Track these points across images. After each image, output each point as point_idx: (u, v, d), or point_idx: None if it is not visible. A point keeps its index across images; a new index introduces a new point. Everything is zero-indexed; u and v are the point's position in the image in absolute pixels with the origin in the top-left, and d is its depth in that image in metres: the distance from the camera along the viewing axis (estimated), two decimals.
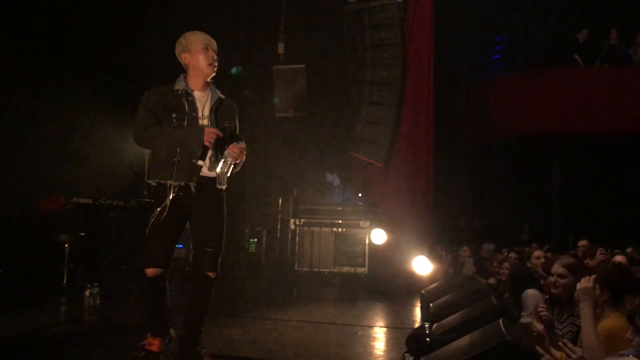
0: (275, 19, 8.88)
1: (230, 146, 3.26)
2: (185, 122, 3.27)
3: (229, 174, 3.28)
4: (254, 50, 9.37)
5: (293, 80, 8.41)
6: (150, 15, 8.48)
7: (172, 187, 3.27)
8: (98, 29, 8.08)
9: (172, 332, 3.43)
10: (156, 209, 3.27)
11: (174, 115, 3.26)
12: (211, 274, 3.38)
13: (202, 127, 3.25)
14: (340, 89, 9.74)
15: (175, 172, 3.25)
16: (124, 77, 8.37)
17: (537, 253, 5.40)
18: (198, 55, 3.33)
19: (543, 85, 10.87)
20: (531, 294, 4.29)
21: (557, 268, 3.62)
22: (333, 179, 9.64)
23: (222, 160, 3.25)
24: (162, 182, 3.29)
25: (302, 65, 8.41)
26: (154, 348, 3.30)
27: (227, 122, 3.44)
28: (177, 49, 3.39)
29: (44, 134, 7.24)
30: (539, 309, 3.45)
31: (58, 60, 7.30)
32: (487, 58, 12.76)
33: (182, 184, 3.27)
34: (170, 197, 3.25)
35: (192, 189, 3.29)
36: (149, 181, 3.39)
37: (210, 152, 3.32)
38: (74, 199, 5.86)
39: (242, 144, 3.31)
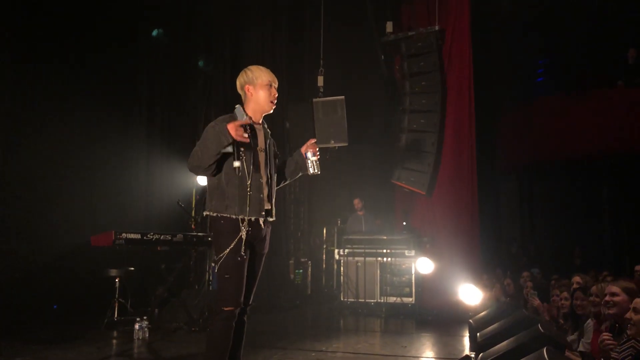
0: (314, 52, 9.06)
1: (307, 147, 3.57)
2: (252, 156, 3.32)
3: (317, 171, 3.57)
4: (294, 83, 9.56)
5: (333, 112, 8.50)
6: (194, 53, 8.79)
7: (245, 222, 3.27)
8: (144, 64, 8.41)
9: None
10: (226, 244, 3.23)
11: (241, 149, 3.28)
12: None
13: (224, 126, 3.21)
14: (380, 118, 9.79)
15: (248, 207, 3.27)
16: (169, 111, 8.67)
17: None
18: (261, 91, 3.41)
19: (590, 105, 10.62)
20: (592, 322, 4.14)
21: (611, 288, 3.53)
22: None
23: (309, 160, 3.56)
24: (234, 216, 3.28)
25: (342, 97, 8.50)
26: None
27: (275, 151, 3.59)
28: (241, 80, 3.46)
29: (94, 171, 7.51)
30: (604, 336, 3.31)
31: (103, 96, 7.60)
32: (529, 80, 12.60)
33: (253, 219, 3.30)
34: (245, 233, 3.25)
35: (261, 223, 3.35)
36: (211, 213, 3.33)
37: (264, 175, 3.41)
38: (123, 234, 6.04)
39: (312, 140, 3.63)
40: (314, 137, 8.52)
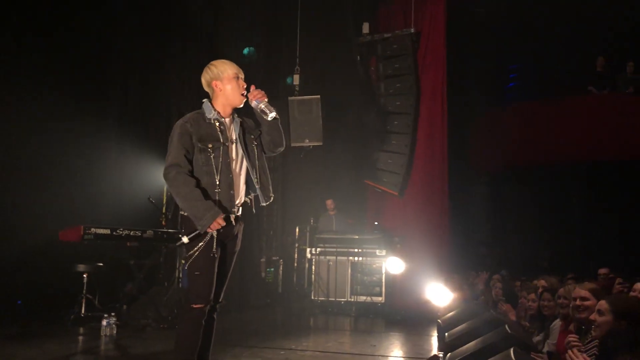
0: (290, 51, 9.05)
1: (250, 96, 3.34)
2: (221, 152, 3.27)
3: (273, 112, 3.31)
4: (269, 82, 9.53)
5: (308, 111, 8.51)
6: (169, 48, 8.69)
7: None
8: (118, 60, 8.30)
9: None
10: (197, 242, 3.19)
11: (209, 145, 3.26)
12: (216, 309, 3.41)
13: (217, 212, 3.15)
14: (355, 118, 9.83)
15: (218, 205, 3.22)
16: (142, 107, 8.56)
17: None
18: (229, 85, 3.36)
19: (561, 112, 10.83)
20: (559, 324, 4.23)
21: (580, 292, 3.59)
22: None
23: (260, 109, 3.31)
24: None
25: (317, 96, 8.51)
26: None
27: (252, 136, 3.47)
28: (207, 76, 3.39)
29: (62, 164, 7.37)
30: (570, 337, 3.38)
31: (76, 90, 7.45)
32: (502, 86, 12.80)
33: (224, 216, 3.25)
34: (215, 231, 3.20)
35: (232, 220, 3.31)
36: (183, 213, 3.30)
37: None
38: (92, 229, 5.96)
39: (252, 87, 3.38)
40: (288, 135, 8.58)
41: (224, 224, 3.17)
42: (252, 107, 3.42)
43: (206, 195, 3.22)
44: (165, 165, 3.26)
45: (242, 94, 3.38)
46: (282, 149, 3.57)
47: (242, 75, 3.42)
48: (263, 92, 3.37)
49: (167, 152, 3.29)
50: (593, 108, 10.70)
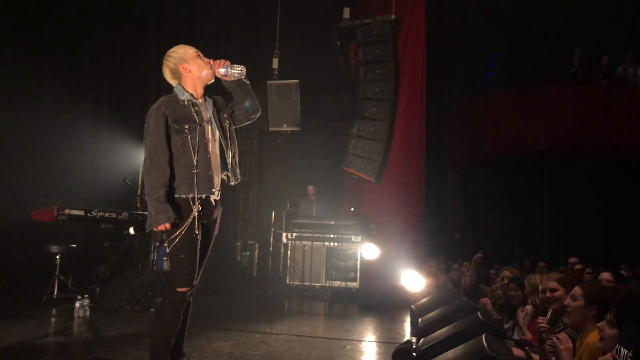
0: (269, 34, 8.98)
1: (215, 64, 3.39)
2: (197, 132, 3.27)
3: (243, 67, 3.41)
4: (248, 65, 9.44)
5: (287, 95, 8.48)
6: (145, 30, 8.56)
7: (195, 201, 3.23)
8: (94, 40, 8.17)
9: None
10: (179, 225, 3.18)
11: (186, 127, 3.25)
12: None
13: (169, 219, 3.13)
14: (333, 104, 9.82)
15: (196, 186, 3.23)
16: (118, 88, 8.45)
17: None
18: (194, 64, 3.37)
19: (535, 103, 11.00)
20: (527, 311, 4.33)
21: (548, 284, 3.68)
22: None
23: (227, 72, 3.38)
24: (184, 196, 3.24)
25: (296, 80, 8.48)
26: None
27: (225, 115, 3.49)
28: (170, 64, 3.39)
29: (36, 144, 7.27)
30: (539, 320, 3.47)
31: (51, 71, 7.35)
32: (479, 75, 12.90)
33: (203, 196, 3.28)
34: (197, 211, 3.21)
35: (212, 201, 3.33)
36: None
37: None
38: (66, 210, 5.89)
39: (211, 60, 3.43)
40: (266, 119, 8.55)
41: (168, 228, 3.17)
42: (221, 82, 3.47)
43: (184, 176, 3.24)
44: (144, 154, 3.28)
45: (210, 68, 3.40)
46: (259, 114, 3.60)
47: (201, 53, 3.45)
48: (226, 60, 3.43)
49: (144, 138, 3.30)
50: (566, 100, 10.87)
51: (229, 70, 3.38)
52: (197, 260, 3.26)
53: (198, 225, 3.23)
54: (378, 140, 8.90)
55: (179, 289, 3.21)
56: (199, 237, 3.24)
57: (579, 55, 11.16)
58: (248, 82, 3.51)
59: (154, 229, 3.18)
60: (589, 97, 10.85)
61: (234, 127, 3.53)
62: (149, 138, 3.26)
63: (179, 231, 3.18)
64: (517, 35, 11.60)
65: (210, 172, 3.31)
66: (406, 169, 8.94)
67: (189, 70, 3.38)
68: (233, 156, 3.46)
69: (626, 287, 3.52)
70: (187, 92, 3.37)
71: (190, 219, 3.20)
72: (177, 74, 3.40)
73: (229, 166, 3.43)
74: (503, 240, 11.49)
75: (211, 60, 3.43)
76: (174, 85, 3.42)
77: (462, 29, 11.83)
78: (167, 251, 3.29)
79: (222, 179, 3.45)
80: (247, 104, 3.48)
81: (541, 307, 3.97)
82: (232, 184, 3.48)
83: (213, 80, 3.46)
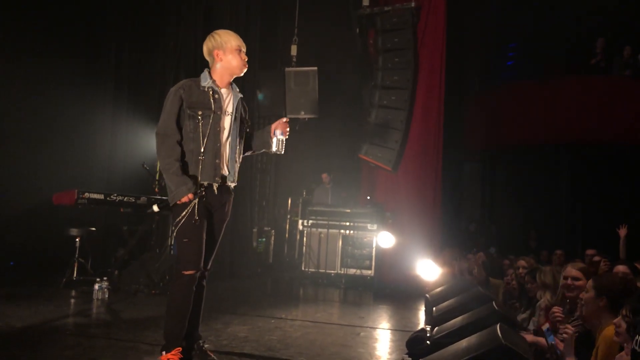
0: (288, 21, 8.96)
1: (278, 125, 3.51)
2: (211, 120, 3.30)
3: (282, 151, 3.54)
4: (267, 52, 9.44)
5: (305, 82, 8.46)
6: (165, 14, 8.59)
7: (198, 186, 3.27)
8: (113, 27, 8.22)
9: None
10: (182, 208, 3.23)
11: (199, 112, 3.28)
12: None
13: (190, 189, 3.22)
14: (351, 92, 9.79)
15: (200, 172, 3.27)
16: (137, 73, 8.51)
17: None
18: (231, 55, 3.38)
19: (556, 93, 10.85)
20: (545, 301, 4.31)
21: (571, 271, 3.65)
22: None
23: (275, 138, 3.50)
24: None
25: (314, 68, 8.46)
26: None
27: (245, 115, 3.56)
28: (209, 44, 3.40)
29: (57, 129, 7.36)
30: (554, 309, 3.47)
31: (71, 57, 7.42)
32: (500, 64, 12.75)
33: (206, 183, 3.30)
34: (197, 198, 3.25)
35: (215, 189, 3.34)
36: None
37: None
38: (86, 194, 5.96)
39: (285, 118, 3.57)
40: (284, 106, 8.56)
41: (192, 197, 3.22)
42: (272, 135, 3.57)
43: (190, 161, 3.28)
44: (155, 130, 3.33)
45: (244, 66, 3.42)
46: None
47: (244, 49, 3.45)
48: (288, 129, 3.55)
49: (160, 118, 3.34)
50: (587, 90, 10.70)
51: (280, 138, 3.52)
52: (202, 243, 3.30)
53: (200, 210, 3.26)
54: (396, 129, 8.85)
55: (185, 272, 3.26)
56: (199, 223, 3.26)
57: (602, 45, 10.96)
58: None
59: (177, 202, 3.23)
60: (611, 87, 10.67)
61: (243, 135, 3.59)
62: (162, 117, 3.32)
63: (181, 216, 3.23)
64: (539, 23, 11.43)
65: (217, 161, 3.32)
66: (423, 158, 8.89)
67: (221, 58, 3.39)
68: (238, 156, 3.49)
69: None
70: (212, 78, 3.38)
71: (191, 205, 3.24)
72: (210, 56, 3.43)
73: (236, 163, 3.46)
74: (520, 231, 11.40)
75: (284, 119, 3.56)
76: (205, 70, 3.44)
77: (482, 17, 11.68)
78: (174, 236, 3.35)
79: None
80: (252, 145, 3.68)
81: (559, 296, 3.94)
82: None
83: (241, 75, 3.47)
